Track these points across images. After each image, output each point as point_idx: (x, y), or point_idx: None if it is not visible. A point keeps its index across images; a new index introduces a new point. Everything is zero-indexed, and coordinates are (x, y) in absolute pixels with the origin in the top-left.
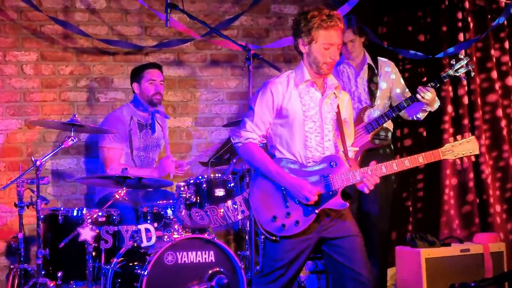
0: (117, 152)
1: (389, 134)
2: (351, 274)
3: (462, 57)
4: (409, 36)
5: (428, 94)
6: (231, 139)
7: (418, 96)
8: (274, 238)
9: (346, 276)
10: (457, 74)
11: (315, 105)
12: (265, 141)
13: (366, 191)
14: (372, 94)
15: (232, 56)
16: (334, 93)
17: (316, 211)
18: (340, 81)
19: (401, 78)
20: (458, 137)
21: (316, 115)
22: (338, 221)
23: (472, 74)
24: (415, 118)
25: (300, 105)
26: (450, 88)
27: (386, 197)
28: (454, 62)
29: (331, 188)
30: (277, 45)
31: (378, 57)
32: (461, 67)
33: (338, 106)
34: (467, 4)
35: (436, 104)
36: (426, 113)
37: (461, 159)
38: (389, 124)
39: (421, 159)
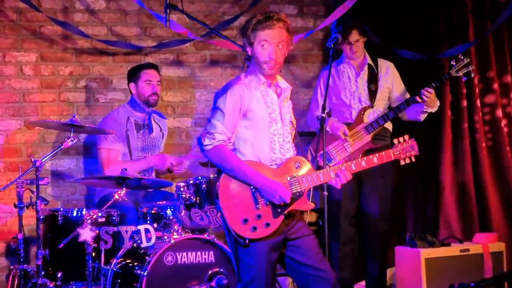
0: (116, 153)
1: (389, 135)
2: (314, 272)
3: (462, 57)
4: (407, 36)
5: (428, 95)
6: (201, 141)
7: (423, 97)
8: (243, 241)
9: (310, 276)
10: (458, 75)
11: (276, 107)
12: (231, 143)
13: (338, 187)
14: (372, 95)
15: (231, 56)
16: (287, 96)
17: (285, 212)
18: (340, 81)
19: (400, 79)
20: (401, 138)
21: (277, 116)
22: (297, 222)
23: (472, 74)
24: (415, 120)
25: (265, 107)
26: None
27: (385, 198)
28: (454, 63)
29: (298, 189)
30: None
31: (378, 58)
32: (461, 67)
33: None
34: (466, 4)
35: (437, 105)
36: (426, 114)
37: (404, 159)
38: (388, 125)
39: (375, 160)
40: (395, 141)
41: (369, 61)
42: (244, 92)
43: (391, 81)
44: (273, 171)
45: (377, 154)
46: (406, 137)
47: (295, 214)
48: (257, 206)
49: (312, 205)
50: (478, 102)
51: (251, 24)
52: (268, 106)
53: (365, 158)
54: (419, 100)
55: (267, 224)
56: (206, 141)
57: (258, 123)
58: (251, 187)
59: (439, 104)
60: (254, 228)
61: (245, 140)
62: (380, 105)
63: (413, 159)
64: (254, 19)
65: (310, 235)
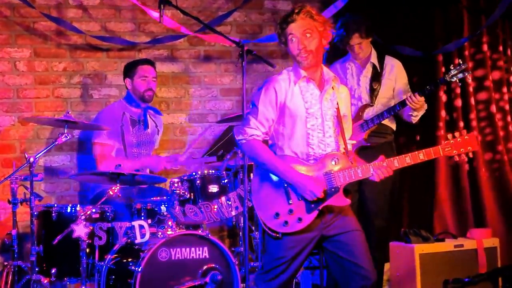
0: (110, 148)
1: (390, 132)
2: (353, 268)
3: (460, 62)
4: (404, 33)
5: (416, 103)
6: (235, 136)
7: (406, 102)
8: (276, 235)
9: (349, 271)
10: (453, 80)
11: (316, 102)
12: (267, 138)
13: (377, 180)
14: (373, 93)
15: (225, 52)
16: (332, 87)
17: (319, 208)
18: (344, 78)
19: (406, 78)
20: (457, 133)
21: (317, 112)
22: (339, 217)
23: (469, 80)
24: (408, 121)
25: (303, 102)
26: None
27: (384, 195)
28: (452, 67)
29: (334, 185)
30: (269, 40)
31: (386, 56)
32: (458, 73)
33: (337, 102)
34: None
35: (424, 108)
36: (418, 117)
37: (459, 155)
38: (391, 123)
39: (421, 156)
40: (449, 136)
41: (373, 59)
42: (281, 87)
43: (395, 79)
44: (308, 166)
45: (424, 151)
46: (464, 131)
47: (334, 209)
48: (289, 201)
49: (349, 201)
50: (473, 100)
51: (279, 26)
52: (306, 101)
53: (409, 154)
54: (410, 102)
55: (299, 219)
56: (240, 136)
57: (295, 119)
58: (284, 182)
59: (426, 107)
60: (286, 223)
61: (282, 135)
62: (381, 104)
63: (471, 155)
64: (280, 21)
65: (353, 231)
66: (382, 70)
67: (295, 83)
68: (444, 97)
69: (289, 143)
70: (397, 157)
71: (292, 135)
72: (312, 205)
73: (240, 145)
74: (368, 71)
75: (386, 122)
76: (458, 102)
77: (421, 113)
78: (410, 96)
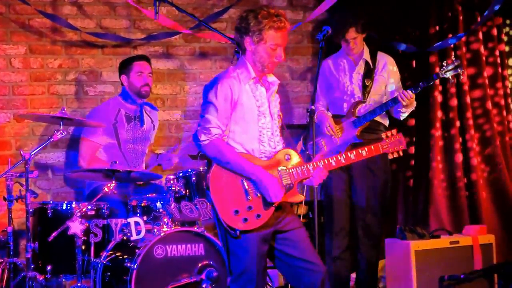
0: (95, 146)
1: (383, 129)
2: (303, 264)
3: (454, 59)
4: (399, 29)
5: (408, 99)
6: (197, 137)
7: (398, 97)
8: (234, 232)
9: (300, 268)
10: (446, 76)
11: (265, 101)
12: (225, 136)
13: (315, 184)
14: (365, 89)
15: (221, 49)
16: (275, 90)
17: (275, 204)
18: (336, 74)
19: (398, 75)
20: (389, 133)
21: (266, 110)
22: (288, 214)
23: (462, 77)
24: (397, 118)
25: (254, 101)
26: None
27: (374, 190)
28: (445, 64)
29: (288, 181)
30: None
31: (378, 52)
32: (451, 69)
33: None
34: None
35: (413, 105)
36: (406, 114)
37: (392, 153)
38: (383, 119)
39: (364, 153)
40: (383, 135)
41: (366, 55)
42: (234, 85)
43: (387, 76)
44: (264, 164)
45: (366, 148)
46: (394, 131)
47: (285, 206)
48: (248, 197)
49: (303, 197)
50: (468, 99)
51: (264, 23)
52: (257, 100)
53: (354, 152)
54: (402, 99)
55: (258, 216)
56: (203, 137)
57: (247, 117)
58: (242, 178)
59: (415, 105)
60: (245, 220)
61: (234, 133)
62: (374, 100)
63: (401, 153)
64: (266, 18)
65: (301, 228)
66: (374, 66)
67: (244, 82)
68: (439, 97)
69: (242, 141)
70: (338, 155)
71: (245, 133)
72: (270, 202)
73: (203, 146)
74: (360, 68)
75: (378, 118)
76: (454, 102)
77: (409, 110)
78: (402, 93)
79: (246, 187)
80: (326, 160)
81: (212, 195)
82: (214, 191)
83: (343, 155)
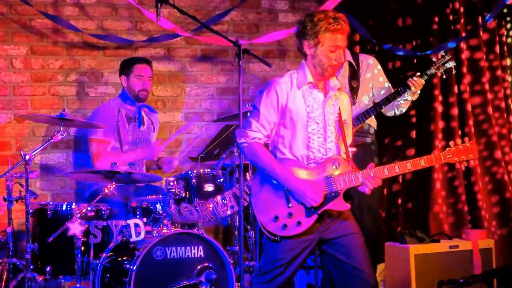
0: (106, 145)
1: (372, 131)
2: (353, 271)
3: (443, 54)
4: (400, 32)
5: (419, 82)
6: (236, 138)
7: (409, 83)
8: (275, 238)
9: (348, 274)
10: (438, 71)
11: (319, 107)
12: (269, 141)
13: (368, 192)
14: (353, 91)
15: (222, 51)
16: (335, 94)
17: (318, 212)
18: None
19: (383, 73)
20: (458, 141)
21: (319, 116)
22: (339, 221)
23: (454, 71)
24: (397, 113)
25: (304, 106)
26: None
27: (372, 194)
28: (434, 59)
29: (334, 189)
30: (266, 40)
31: (359, 53)
32: (442, 64)
33: (339, 108)
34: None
35: (417, 94)
36: (406, 108)
37: (460, 163)
38: (371, 121)
39: (423, 163)
40: (451, 143)
41: (349, 57)
42: (282, 90)
43: (372, 75)
44: (309, 170)
45: (425, 157)
46: (466, 139)
47: (333, 213)
48: (289, 204)
49: (349, 206)
50: (469, 107)
51: (319, 26)
52: (308, 106)
53: (410, 161)
54: (412, 83)
55: (299, 223)
56: (241, 139)
57: (296, 122)
58: (283, 186)
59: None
60: (285, 226)
61: (283, 139)
62: (363, 101)
63: (471, 163)
64: (322, 21)
65: (352, 234)
66: (358, 67)
67: (299, 87)
68: (440, 108)
69: (290, 146)
70: (388, 165)
71: (293, 139)
72: (312, 209)
73: (242, 148)
74: (345, 70)
75: (369, 121)
76: (455, 111)
77: (415, 98)
78: (411, 79)
79: (288, 194)
80: (378, 168)
81: (252, 199)
82: (255, 196)
83: (397, 165)
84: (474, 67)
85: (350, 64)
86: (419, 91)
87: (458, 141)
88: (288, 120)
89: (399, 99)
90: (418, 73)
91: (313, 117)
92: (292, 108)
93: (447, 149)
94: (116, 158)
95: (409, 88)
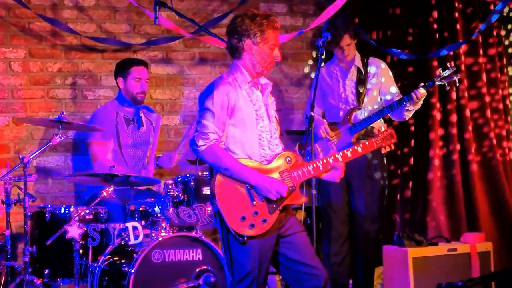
0: (106, 147)
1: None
2: (304, 269)
3: (449, 66)
4: (399, 36)
5: (422, 94)
6: (195, 142)
7: (413, 95)
8: (242, 239)
9: (301, 273)
10: (442, 83)
11: (262, 104)
12: (222, 142)
13: (337, 180)
14: (359, 96)
15: (220, 54)
16: (269, 92)
17: (279, 208)
18: (330, 81)
19: (392, 79)
20: (380, 128)
21: (263, 113)
22: (290, 218)
23: (457, 84)
24: (401, 119)
25: (251, 105)
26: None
27: (372, 198)
28: (440, 71)
29: (291, 183)
30: None
31: (370, 57)
32: (447, 76)
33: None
34: (456, 7)
35: (419, 104)
36: (412, 113)
37: (385, 147)
38: (378, 125)
39: (360, 150)
40: (375, 131)
41: (358, 62)
42: (230, 91)
43: (380, 81)
44: (265, 168)
45: (361, 144)
46: (385, 125)
47: (288, 209)
48: (253, 203)
49: (306, 199)
50: (468, 112)
51: (265, 24)
52: (254, 104)
53: (350, 149)
54: (416, 96)
55: (264, 220)
56: (200, 142)
57: (246, 121)
58: (246, 184)
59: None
60: (252, 225)
61: (234, 138)
62: (369, 106)
63: (393, 147)
64: (265, 19)
65: (302, 232)
66: (366, 72)
67: (241, 87)
68: (438, 115)
69: (242, 146)
70: (340, 152)
71: (245, 137)
72: (274, 205)
73: (201, 151)
74: (353, 75)
75: (373, 124)
76: (454, 118)
77: (416, 108)
78: (416, 91)
79: (251, 192)
80: (325, 160)
81: (218, 203)
82: (220, 199)
83: (340, 153)
84: (470, 72)
85: (358, 69)
86: (421, 102)
87: (381, 128)
88: (239, 120)
89: (401, 107)
90: (422, 84)
91: (260, 115)
92: (242, 108)
93: (375, 135)
94: (122, 166)
95: (412, 99)
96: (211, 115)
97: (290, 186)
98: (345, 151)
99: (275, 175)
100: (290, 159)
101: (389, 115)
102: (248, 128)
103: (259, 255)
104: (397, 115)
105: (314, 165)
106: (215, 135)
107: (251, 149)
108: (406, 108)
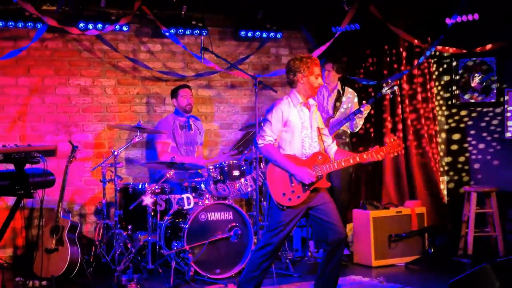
0: (167, 145)
1: (346, 136)
2: (330, 226)
3: (390, 82)
4: (362, 67)
5: (367, 108)
6: (256, 140)
7: (362, 110)
8: (282, 207)
9: (327, 228)
10: (386, 93)
11: (307, 118)
12: (276, 143)
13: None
14: (335, 109)
15: (244, 82)
16: (314, 110)
17: (310, 189)
18: (319, 98)
19: (357, 103)
20: (391, 138)
21: (308, 125)
22: (319, 194)
23: (397, 93)
24: (355, 127)
25: (299, 118)
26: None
27: (345, 177)
28: (385, 86)
29: (319, 173)
30: (273, 74)
31: (346, 87)
32: (389, 88)
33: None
34: (402, 48)
35: (366, 113)
36: (361, 122)
37: (393, 153)
38: (347, 129)
39: (379, 156)
40: (386, 140)
41: (339, 87)
42: (285, 108)
43: (350, 103)
44: (303, 161)
45: (373, 152)
46: (395, 137)
47: (318, 190)
48: (292, 184)
49: (329, 184)
50: (409, 122)
51: (309, 63)
52: (301, 118)
53: (364, 155)
54: (362, 110)
55: (298, 197)
56: (260, 141)
57: (294, 129)
58: (288, 172)
59: (368, 110)
60: (289, 199)
61: (285, 140)
62: (340, 115)
63: (400, 153)
64: (309, 59)
65: (329, 202)
66: (343, 95)
67: (295, 105)
68: (389, 125)
69: (290, 146)
70: (357, 155)
71: (292, 141)
72: (306, 187)
73: (259, 147)
74: (334, 95)
75: (344, 128)
76: (400, 126)
77: (361, 122)
78: (363, 105)
79: (291, 178)
80: (346, 159)
81: (268, 182)
82: (269, 180)
83: (357, 156)
84: (409, 94)
85: (338, 91)
86: (366, 114)
87: (391, 138)
88: (289, 128)
89: (354, 116)
90: (364, 101)
91: (305, 126)
92: (292, 120)
93: (385, 144)
94: (179, 158)
95: (361, 112)
96: (269, 124)
97: (318, 175)
98: (364, 155)
99: (310, 167)
100: (321, 157)
101: (346, 124)
102: (295, 134)
103: (289, 218)
104: (350, 125)
105: (338, 162)
106: (270, 137)
107: (296, 149)
108: (354, 122)
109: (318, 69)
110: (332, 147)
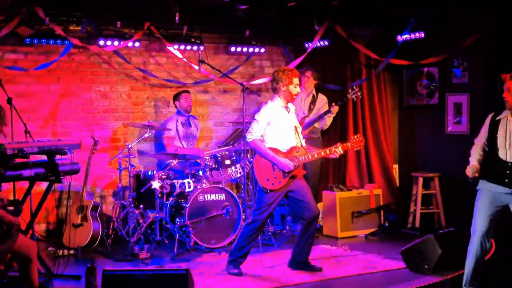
0: (172, 140)
1: (318, 130)
2: (305, 205)
3: (355, 88)
4: (331, 75)
5: (335, 108)
6: (245, 136)
7: (331, 109)
8: (265, 190)
9: (303, 207)
10: (352, 97)
11: (287, 119)
12: (262, 138)
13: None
14: (310, 110)
15: (234, 88)
16: (293, 111)
17: (289, 176)
18: (296, 101)
19: (327, 105)
20: (355, 136)
21: (287, 123)
22: (296, 179)
23: (360, 97)
24: (324, 124)
25: (281, 119)
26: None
27: (316, 164)
28: (350, 90)
29: (297, 163)
30: (258, 82)
31: (319, 93)
32: (354, 93)
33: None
34: (362, 60)
35: (335, 112)
36: (329, 123)
37: (356, 148)
38: (319, 126)
39: (340, 150)
40: (351, 137)
41: (314, 93)
42: (270, 110)
43: (321, 106)
44: (283, 153)
45: (340, 146)
46: (359, 135)
47: (295, 176)
48: (274, 172)
49: (304, 172)
50: (368, 123)
51: (290, 74)
52: (282, 118)
53: (332, 148)
54: (331, 110)
55: (279, 182)
56: (248, 136)
57: (276, 127)
58: (271, 162)
59: (337, 110)
60: (272, 184)
61: (269, 136)
62: (314, 115)
63: (362, 148)
64: (290, 71)
65: (306, 186)
66: (316, 98)
67: (277, 108)
68: (352, 123)
69: (273, 141)
70: (327, 149)
71: (275, 136)
72: (286, 174)
73: (248, 141)
74: (309, 98)
75: (316, 125)
76: (360, 126)
77: (330, 120)
78: (332, 106)
79: (274, 167)
80: (319, 152)
81: (255, 170)
82: (256, 168)
83: (327, 150)
84: (369, 97)
85: (313, 96)
86: (335, 114)
87: (356, 136)
88: (273, 126)
89: (325, 116)
90: (334, 103)
91: (285, 125)
92: (275, 120)
93: (350, 140)
94: (179, 150)
95: (330, 111)
96: (256, 122)
97: (296, 165)
98: (333, 148)
99: (288, 158)
100: (298, 150)
101: (318, 122)
102: (277, 132)
103: (272, 200)
104: (321, 123)
105: (312, 154)
106: (257, 133)
107: (278, 143)
108: (326, 116)
109: (297, 80)
110: (303, 143)
